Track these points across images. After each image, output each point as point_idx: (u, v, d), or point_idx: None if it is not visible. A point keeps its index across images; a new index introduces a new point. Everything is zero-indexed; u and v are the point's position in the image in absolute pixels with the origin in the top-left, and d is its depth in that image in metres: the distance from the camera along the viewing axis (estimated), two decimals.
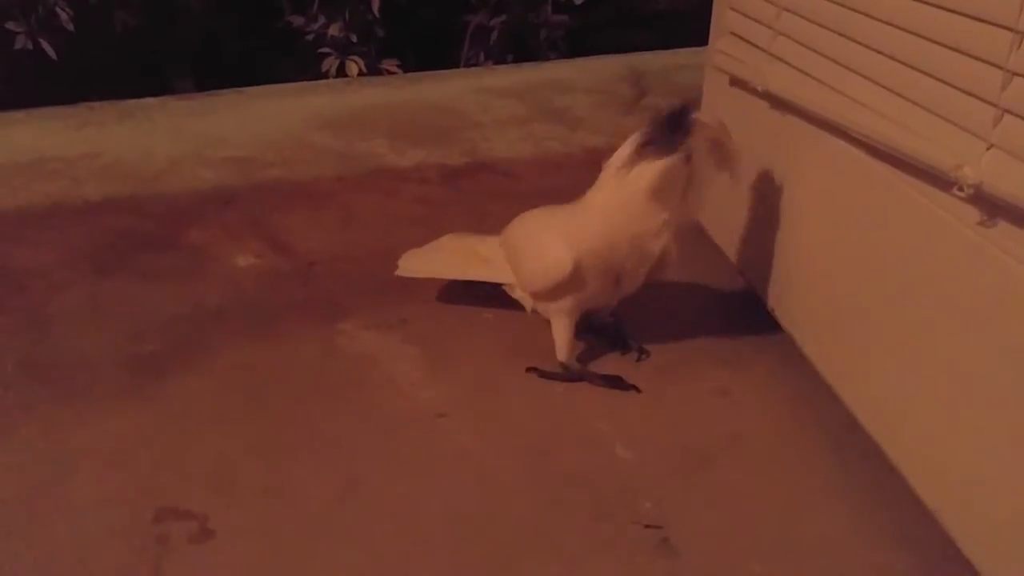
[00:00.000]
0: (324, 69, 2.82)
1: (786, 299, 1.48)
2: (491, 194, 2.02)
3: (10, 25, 2.48)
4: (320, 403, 1.35)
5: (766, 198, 1.51)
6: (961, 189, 0.96)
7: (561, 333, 1.39)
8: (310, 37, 2.87)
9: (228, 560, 1.10)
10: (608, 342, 1.48)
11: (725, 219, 1.69)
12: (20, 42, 2.48)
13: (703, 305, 1.55)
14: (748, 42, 1.48)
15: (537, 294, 1.41)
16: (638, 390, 1.37)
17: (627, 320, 1.50)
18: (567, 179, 2.11)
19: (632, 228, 1.30)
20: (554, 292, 1.36)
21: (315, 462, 1.25)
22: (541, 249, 1.36)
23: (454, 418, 1.33)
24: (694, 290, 1.54)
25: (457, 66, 3.09)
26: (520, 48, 3.12)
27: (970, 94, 0.97)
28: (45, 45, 2.49)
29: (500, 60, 3.08)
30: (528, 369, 1.42)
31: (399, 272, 1.54)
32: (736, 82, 1.53)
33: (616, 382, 1.39)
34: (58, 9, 2.47)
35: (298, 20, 2.90)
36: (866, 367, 1.25)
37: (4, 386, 1.38)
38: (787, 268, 1.47)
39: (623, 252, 1.32)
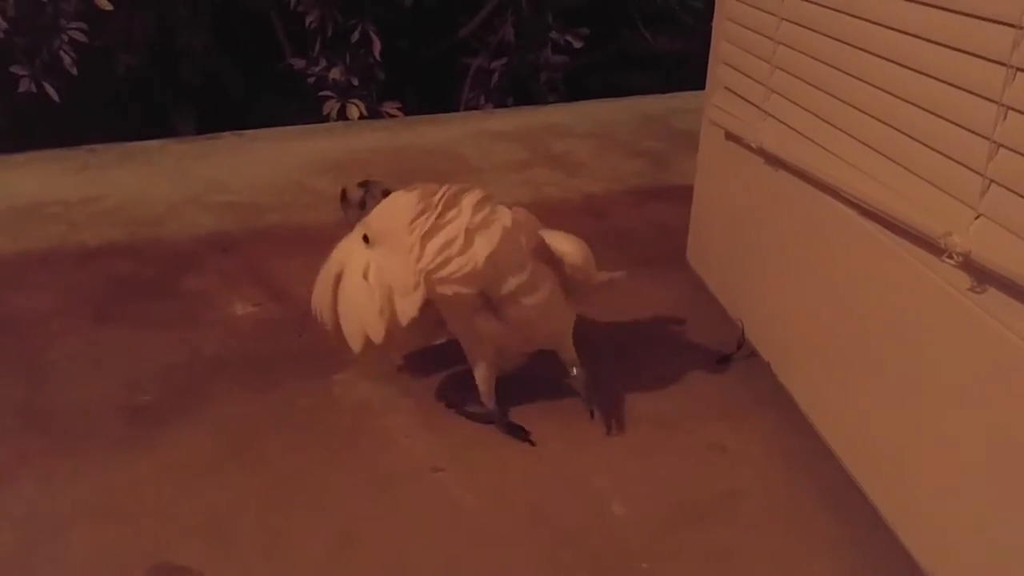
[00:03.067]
0: (325, 112, 2.84)
1: (783, 355, 1.48)
2: None
3: (14, 69, 2.50)
4: (316, 456, 1.35)
5: (763, 255, 1.51)
6: (950, 256, 0.96)
7: (480, 379, 1.39)
8: (311, 80, 2.89)
9: None
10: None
11: (724, 274, 1.70)
12: (24, 85, 2.51)
13: (702, 358, 1.55)
14: (742, 98, 1.49)
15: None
16: (532, 443, 1.38)
17: (625, 372, 1.50)
18: (564, 225, 2.12)
19: None
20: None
21: (310, 516, 1.24)
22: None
23: (450, 472, 1.33)
24: (693, 343, 1.54)
25: (458, 108, 3.11)
26: (520, 90, 3.15)
27: (958, 162, 0.98)
28: (48, 88, 2.51)
29: (500, 103, 3.10)
30: (448, 405, 1.44)
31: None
32: (731, 136, 1.54)
33: (515, 431, 1.39)
34: (62, 52, 2.49)
35: (299, 63, 2.93)
36: (862, 426, 1.25)
37: (1, 436, 1.38)
38: (783, 324, 1.47)
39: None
